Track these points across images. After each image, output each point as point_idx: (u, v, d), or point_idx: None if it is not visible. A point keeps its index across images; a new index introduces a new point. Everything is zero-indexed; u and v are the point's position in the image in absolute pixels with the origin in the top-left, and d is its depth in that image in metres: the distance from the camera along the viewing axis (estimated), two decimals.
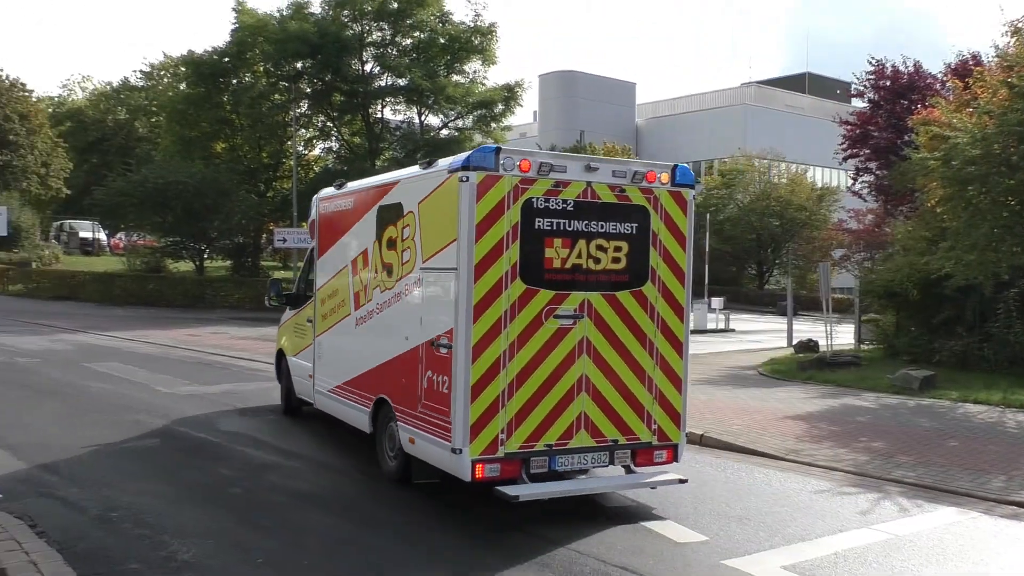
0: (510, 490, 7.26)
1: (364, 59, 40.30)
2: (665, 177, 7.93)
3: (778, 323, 39.52)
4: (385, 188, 8.79)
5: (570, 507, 8.07)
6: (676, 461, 8.10)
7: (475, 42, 40.26)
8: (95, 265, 41.06)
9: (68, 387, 14.42)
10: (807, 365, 18.85)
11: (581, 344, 7.60)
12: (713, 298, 36.22)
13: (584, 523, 7.67)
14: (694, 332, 32.78)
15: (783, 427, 12.14)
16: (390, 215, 8.51)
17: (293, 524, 7.49)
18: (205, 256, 38.21)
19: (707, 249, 40.30)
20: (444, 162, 7.67)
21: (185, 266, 39.19)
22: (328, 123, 42.67)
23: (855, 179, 41.52)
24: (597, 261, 7.65)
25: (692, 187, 8.01)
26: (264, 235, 41.62)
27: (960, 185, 16.69)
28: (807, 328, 33.61)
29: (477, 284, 7.22)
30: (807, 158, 60.77)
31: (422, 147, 40.76)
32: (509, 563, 6.66)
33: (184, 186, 34.29)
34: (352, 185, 9.98)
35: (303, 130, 42.73)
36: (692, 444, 11.22)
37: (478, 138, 42.94)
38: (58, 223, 52.52)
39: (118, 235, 51.58)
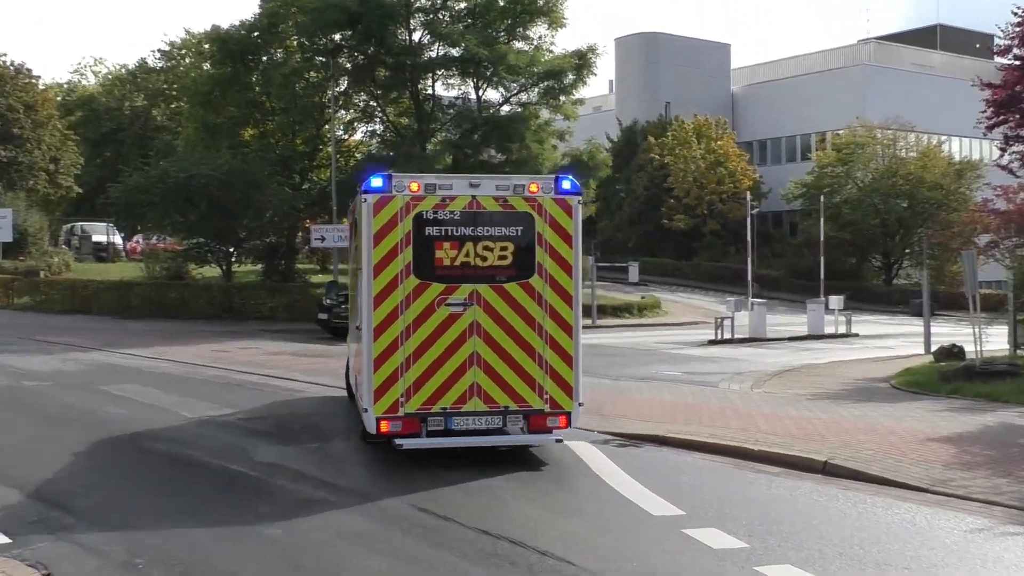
0: (404, 442, 11.06)
1: (412, 27, 40.62)
2: (547, 187, 11.40)
3: (912, 325, 38.60)
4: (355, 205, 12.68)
5: (680, 549, 7.97)
6: (571, 426, 11.62)
7: (539, 3, 40.26)
8: (110, 273, 42.12)
9: (82, 413, 14.76)
10: (951, 375, 18.34)
11: (472, 326, 11.24)
12: (831, 296, 35.60)
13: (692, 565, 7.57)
14: (809, 338, 32.34)
15: (926, 451, 11.80)
16: (357, 226, 12.36)
17: (343, 569, 7.48)
18: (233, 259, 38.81)
19: (821, 238, 39.60)
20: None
21: (211, 271, 39.96)
22: (371, 102, 43.13)
23: (1003, 150, 40.25)
24: (484, 259, 11.30)
25: (577, 195, 11.49)
26: (300, 233, 42.22)
27: None
28: (948, 331, 32.73)
29: (376, 280, 11.11)
30: (941, 127, 59.27)
31: (480, 126, 40.90)
32: None
33: (209, 179, 34.77)
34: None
35: (343, 111, 43.27)
36: (813, 473, 10.98)
37: (545, 114, 42.92)
38: (68, 226, 53.71)
39: (135, 238, 52.85)
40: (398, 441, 11.10)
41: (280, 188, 39.05)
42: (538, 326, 11.39)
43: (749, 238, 38.15)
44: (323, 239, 33.98)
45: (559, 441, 11.62)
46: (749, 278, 36.74)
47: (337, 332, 27.12)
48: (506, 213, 11.49)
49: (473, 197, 11.37)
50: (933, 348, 24.25)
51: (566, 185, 11.47)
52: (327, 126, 41.82)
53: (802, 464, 11.37)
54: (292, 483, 10.38)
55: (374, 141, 44.53)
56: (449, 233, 11.36)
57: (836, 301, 34.76)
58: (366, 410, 11.20)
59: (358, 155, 45.33)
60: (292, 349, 25.01)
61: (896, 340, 32.27)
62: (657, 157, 60.94)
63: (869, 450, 11.83)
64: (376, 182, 11.22)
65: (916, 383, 18.59)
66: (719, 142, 59.97)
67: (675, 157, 59.76)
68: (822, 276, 39.15)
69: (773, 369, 22.62)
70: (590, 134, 45.93)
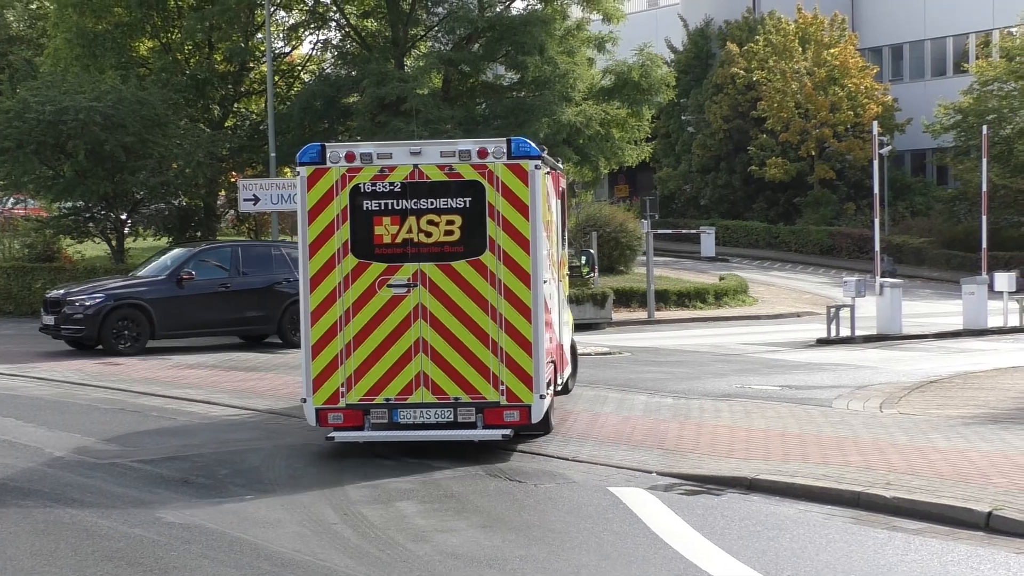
0: (336, 434, 14.44)
1: None
2: (499, 152, 14.03)
3: None
4: None
5: None
6: (530, 422, 14.39)
7: None
8: None
9: None
10: None
11: (417, 310, 14.16)
12: (998, 274, 35.47)
13: None
14: (965, 334, 32.30)
15: None
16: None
17: None
18: (127, 231, 38.96)
19: (984, 188, 39.39)
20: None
21: (94, 249, 40.02)
22: None
23: None
24: (428, 235, 14.12)
25: (533, 158, 14.14)
26: (223, 192, 42.32)
27: None
28: None
29: (312, 260, 14.08)
30: None
31: (483, 31, 40.95)
32: None
33: (88, 115, 34.71)
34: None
35: (282, 12, 43.28)
36: (971, 530, 11.02)
37: (576, 12, 42.86)
38: None
39: None
40: (331, 434, 14.55)
41: (193, 127, 39.14)
42: (492, 309, 14.17)
43: (877, 190, 38.05)
44: (256, 199, 33.91)
45: (505, 437, 14.41)
46: (876, 248, 36.63)
47: (79, 344, 26.60)
48: (452, 183, 14.25)
49: (415, 166, 14.19)
50: None
51: (521, 148, 14.16)
52: (260, 35, 41.84)
53: (956, 517, 11.40)
54: (214, 555, 10.47)
55: (328, 56, 44.63)
56: (389, 207, 14.24)
57: (1007, 280, 34.60)
58: (305, 400, 14.38)
59: (306, 76, 45.41)
60: (214, 360, 25.13)
61: None
62: (743, 73, 60.99)
63: None
64: (309, 153, 14.27)
65: None
66: (834, 50, 59.90)
67: (769, 73, 59.73)
68: (984, 244, 38.86)
69: (912, 380, 22.58)
70: (643, 40, 45.82)
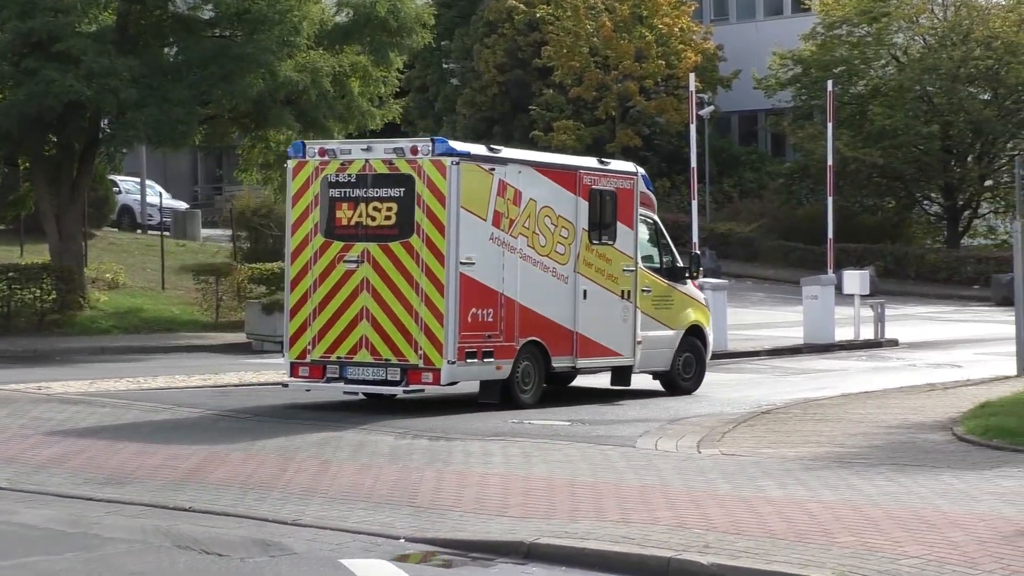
0: (290, 381, 23.63)
1: None
2: (426, 149, 22.32)
3: (997, 322, 39.98)
4: None
5: None
6: (440, 384, 22.49)
7: None
8: None
9: None
10: None
11: (363, 283, 22.33)
12: (847, 272, 36.34)
13: None
14: (807, 350, 33.17)
15: (1018, 559, 12.20)
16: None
17: None
18: None
19: (830, 162, 40.33)
20: None
21: None
22: None
23: None
24: (373, 219, 22.53)
25: (451, 155, 22.23)
26: None
27: None
28: None
29: (292, 237, 23.32)
30: None
31: None
32: None
33: None
34: None
35: None
36: None
37: None
38: None
39: None
40: (284, 380, 23.97)
41: None
42: (415, 283, 22.09)
43: (695, 163, 38.68)
44: None
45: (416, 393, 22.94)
46: (694, 239, 37.21)
47: None
48: (392, 175, 22.61)
49: (366, 160, 22.78)
50: None
51: (439, 148, 22.33)
52: None
53: None
54: None
55: None
56: (347, 195, 22.84)
57: (858, 280, 35.32)
58: (284, 355, 23.67)
59: None
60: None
61: (968, 350, 33.38)
62: (522, 8, 61.40)
63: (912, 560, 12.13)
64: (293, 149, 23.69)
65: (1002, 430, 19.13)
66: None
67: (556, 8, 60.25)
68: (830, 234, 39.66)
69: (739, 411, 23.06)
70: None
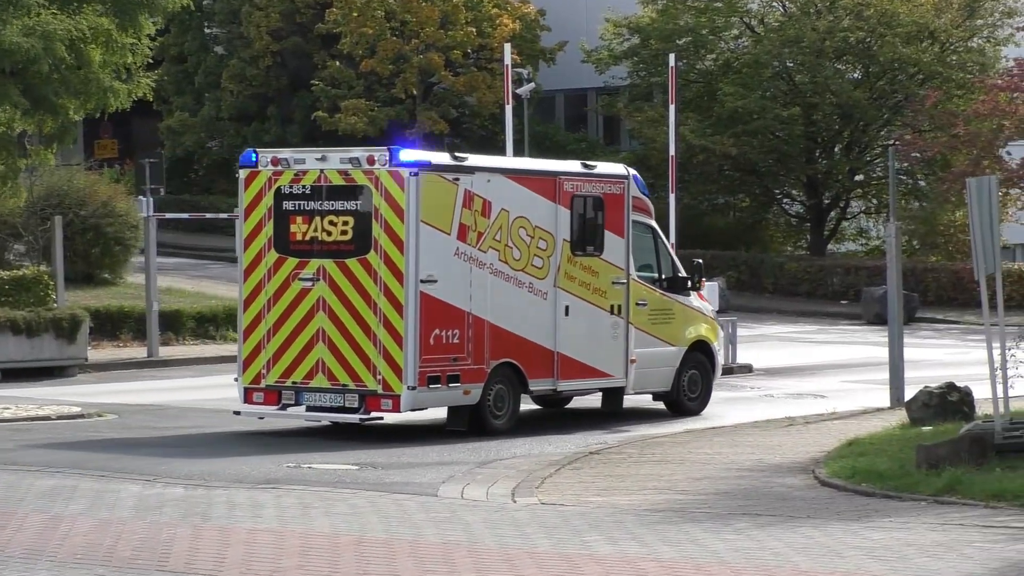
0: (243, 408, 26.20)
1: None
2: (383, 159, 24.84)
3: (868, 344, 40.73)
4: None
5: None
6: (400, 411, 25.23)
7: None
8: None
9: None
10: (944, 454, 19.43)
11: (319, 302, 25.14)
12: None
13: None
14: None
15: None
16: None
17: None
18: None
19: (672, 151, 40.76)
20: None
21: None
22: None
23: None
24: (329, 234, 25.32)
25: (413, 167, 24.71)
26: None
27: None
28: (944, 355, 34.48)
29: (245, 253, 26.30)
30: None
31: None
32: None
33: None
34: None
35: None
36: None
37: None
38: None
39: None
40: (236, 409, 25.74)
41: None
42: (373, 304, 24.27)
43: (510, 151, 38.93)
44: None
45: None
46: None
47: None
48: (348, 187, 24.73)
49: (321, 171, 24.93)
50: (909, 394, 25.60)
51: (396, 158, 24.09)
52: None
53: None
54: None
55: None
56: (301, 207, 25.14)
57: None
58: (236, 379, 25.32)
59: None
60: None
61: (834, 377, 33.98)
62: None
63: None
64: (246, 157, 24.89)
65: (871, 472, 19.53)
66: None
67: None
68: (672, 238, 40.27)
69: (563, 451, 23.32)
70: None
